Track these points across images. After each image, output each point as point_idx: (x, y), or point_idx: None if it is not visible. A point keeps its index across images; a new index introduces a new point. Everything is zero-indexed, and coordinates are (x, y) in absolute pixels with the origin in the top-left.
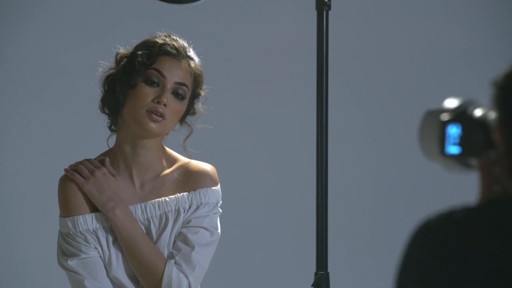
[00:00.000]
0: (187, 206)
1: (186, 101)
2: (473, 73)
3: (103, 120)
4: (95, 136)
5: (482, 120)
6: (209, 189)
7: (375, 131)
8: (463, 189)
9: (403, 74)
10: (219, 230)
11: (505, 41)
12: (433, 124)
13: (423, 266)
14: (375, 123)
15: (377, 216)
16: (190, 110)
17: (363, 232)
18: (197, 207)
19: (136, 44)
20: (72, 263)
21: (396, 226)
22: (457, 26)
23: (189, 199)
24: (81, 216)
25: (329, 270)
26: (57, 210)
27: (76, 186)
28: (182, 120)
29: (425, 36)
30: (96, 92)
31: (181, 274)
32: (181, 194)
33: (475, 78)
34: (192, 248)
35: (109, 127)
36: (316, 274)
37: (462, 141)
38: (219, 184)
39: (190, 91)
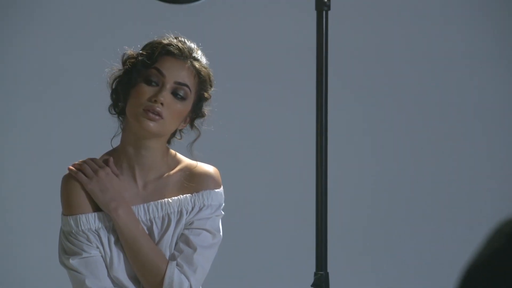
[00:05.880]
0: (189, 208)
1: (188, 102)
2: (473, 73)
3: (105, 120)
4: (96, 136)
5: None
6: (212, 191)
7: (375, 131)
8: (463, 189)
9: (403, 74)
10: (221, 233)
11: (505, 41)
12: None
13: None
14: (375, 123)
15: (377, 216)
16: (198, 113)
17: (363, 232)
18: (200, 209)
19: (143, 45)
20: (73, 261)
21: (396, 226)
22: (456, 26)
23: (192, 200)
24: (83, 215)
25: (328, 270)
26: (58, 210)
27: (79, 185)
28: (191, 123)
29: (425, 36)
30: (99, 93)
31: (183, 276)
32: (184, 195)
33: (475, 78)
34: (194, 250)
35: (121, 128)
36: (315, 274)
37: None
38: (222, 187)
39: (193, 93)
